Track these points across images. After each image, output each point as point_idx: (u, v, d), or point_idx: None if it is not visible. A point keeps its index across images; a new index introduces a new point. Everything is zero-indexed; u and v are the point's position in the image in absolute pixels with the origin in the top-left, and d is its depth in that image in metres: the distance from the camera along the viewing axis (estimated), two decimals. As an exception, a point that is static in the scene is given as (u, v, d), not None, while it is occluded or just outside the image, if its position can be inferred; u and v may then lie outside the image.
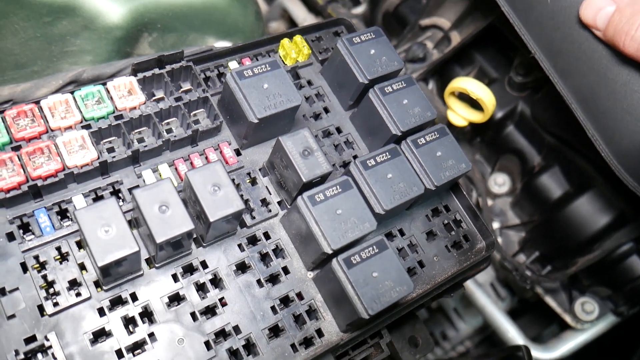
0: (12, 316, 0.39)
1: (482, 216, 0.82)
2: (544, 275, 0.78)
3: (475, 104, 0.72)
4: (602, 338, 0.86)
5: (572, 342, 0.84)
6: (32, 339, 0.38)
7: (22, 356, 0.37)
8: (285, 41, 0.54)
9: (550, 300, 0.83)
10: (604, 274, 0.76)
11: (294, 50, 0.54)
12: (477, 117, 0.70)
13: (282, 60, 0.54)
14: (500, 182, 0.87)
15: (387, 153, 0.47)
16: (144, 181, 0.45)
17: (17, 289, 0.39)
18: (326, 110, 0.54)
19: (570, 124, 0.66)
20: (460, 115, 0.71)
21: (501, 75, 0.83)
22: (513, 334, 0.82)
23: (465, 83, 0.67)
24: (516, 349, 0.67)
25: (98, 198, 0.44)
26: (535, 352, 0.84)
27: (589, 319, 0.80)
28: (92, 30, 0.58)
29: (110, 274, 0.39)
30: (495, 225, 0.88)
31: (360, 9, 1.02)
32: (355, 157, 0.52)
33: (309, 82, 0.55)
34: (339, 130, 0.53)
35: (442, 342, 1.03)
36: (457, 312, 1.01)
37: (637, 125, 0.54)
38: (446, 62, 0.86)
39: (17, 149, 0.41)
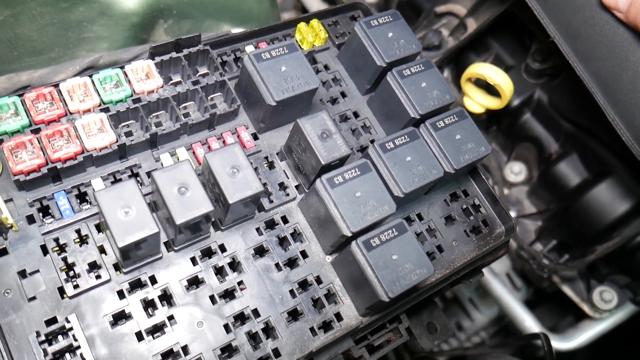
0: (33, 298, 0.39)
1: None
2: (562, 264, 0.77)
3: (492, 91, 0.71)
4: (621, 328, 0.85)
5: (590, 331, 0.83)
6: (53, 320, 0.38)
7: (43, 337, 0.37)
8: (302, 25, 0.53)
9: (567, 290, 0.83)
10: (623, 261, 0.75)
11: (310, 35, 0.53)
12: (494, 103, 0.70)
13: (299, 45, 0.54)
14: (516, 171, 0.86)
15: (405, 136, 0.46)
16: (162, 165, 0.45)
17: (37, 271, 0.40)
18: (343, 94, 0.53)
19: (588, 110, 0.65)
20: (476, 101, 0.70)
21: (518, 62, 0.82)
22: (530, 324, 0.81)
23: (483, 69, 0.66)
24: (534, 337, 0.66)
25: (116, 181, 0.44)
26: (552, 341, 0.83)
27: (608, 308, 0.79)
28: (109, 16, 0.58)
29: (129, 256, 0.39)
30: (512, 214, 0.87)
31: (374, -2, 1.01)
32: (372, 141, 0.51)
33: (326, 67, 0.54)
34: (356, 114, 0.53)
35: (458, 333, 1.02)
36: (472, 302, 1.01)
37: (661, 108, 0.53)
38: (462, 49, 0.85)
39: (36, 131, 0.42)
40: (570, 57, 0.59)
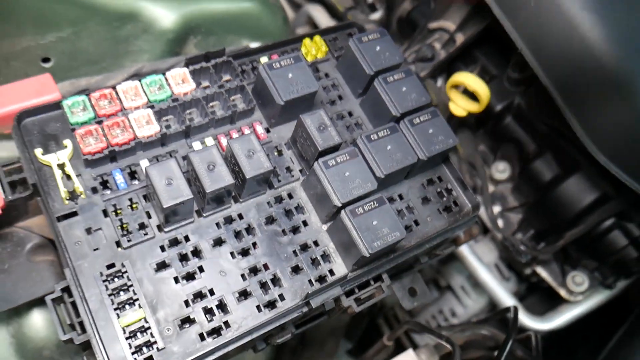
0: (97, 248, 0.51)
1: (483, 199, 0.92)
2: (538, 250, 0.87)
3: (474, 97, 0.82)
4: (596, 312, 0.94)
5: (567, 314, 0.93)
6: (112, 265, 0.50)
7: (105, 277, 0.49)
8: (306, 40, 0.65)
9: (546, 276, 0.92)
10: (591, 247, 0.85)
11: (314, 48, 0.65)
12: (474, 107, 0.80)
13: (304, 57, 0.65)
14: (501, 169, 0.96)
15: (387, 129, 0.58)
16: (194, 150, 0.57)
17: (100, 228, 0.52)
18: (340, 97, 0.65)
19: (557, 113, 0.75)
20: (460, 106, 0.81)
21: (500, 72, 0.92)
22: (510, 302, 0.91)
23: (463, 77, 0.77)
24: (507, 310, 0.77)
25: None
26: (532, 323, 0.93)
27: (580, 291, 0.89)
28: (150, 33, 0.71)
29: (170, 218, 0.51)
30: (497, 208, 0.97)
31: (376, 15, 1.13)
32: (360, 135, 0.62)
33: (326, 75, 0.66)
34: (350, 114, 0.64)
35: (451, 319, 1.12)
36: (464, 289, 1.11)
37: (604, 108, 0.64)
38: (452, 60, 0.96)
39: (99, 122, 0.54)
40: (534, 66, 0.70)
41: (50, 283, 0.57)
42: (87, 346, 0.50)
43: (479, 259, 0.98)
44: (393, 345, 0.86)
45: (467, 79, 0.76)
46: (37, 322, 0.61)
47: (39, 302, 0.62)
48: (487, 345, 0.78)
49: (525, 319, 0.91)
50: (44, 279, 0.57)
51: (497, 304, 0.97)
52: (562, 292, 0.91)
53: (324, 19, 1.19)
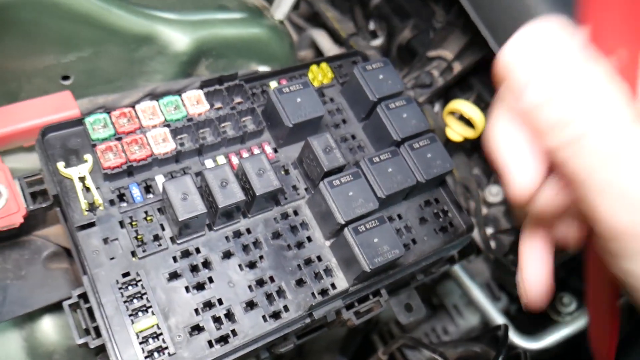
0: (113, 258, 0.54)
1: (476, 221, 0.95)
2: (528, 271, 0.91)
3: (470, 123, 0.86)
4: (584, 333, 0.98)
5: (555, 334, 0.96)
6: (127, 274, 0.53)
7: (120, 285, 0.52)
8: (314, 67, 0.70)
9: (535, 296, 0.96)
10: (579, 269, 0.88)
11: (320, 74, 0.69)
12: (470, 133, 0.85)
13: (311, 82, 0.69)
14: (494, 193, 1.00)
15: (389, 153, 0.61)
16: (206, 167, 0.60)
17: (116, 239, 0.55)
18: (344, 121, 0.69)
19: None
20: (456, 131, 0.85)
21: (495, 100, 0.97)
22: (500, 321, 0.94)
23: (460, 104, 0.81)
24: (498, 328, 0.80)
25: (173, 178, 0.59)
26: (522, 342, 0.96)
27: (568, 311, 0.92)
28: (164, 55, 0.74)
29: (183, 231, 0.54)
30: (490, 230, 1.01)
31: (377, 42, 1.18)
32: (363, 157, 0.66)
33: (331, 99, 0.70)
34: (353, 137, 0.68)
35: (444, 337, 1.15)
36: (456, 308, 1.14)
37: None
38: (449, 87, 1.00)
39: (119, 139, 0.57)
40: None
41: (64, 290, 0.60)
42: (99, 350, 0.53)
43: (471, 278, 1.02)
44: (387, 360, 0.89)
45: (463, 106, 0.80)
46: (48, 327, 0.64)
47: (51, 308, 0.64)
48: (478, 362, 0.81)
49: (515, 338, 0.94)
50: (58, 286, 0.60)
51: (489, 322, 1.00)
52: (551, 313, 0.95)
53: (326, 44, 1.23)
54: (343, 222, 0.56)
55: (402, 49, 1.10)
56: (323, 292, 0.58)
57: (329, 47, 1.22)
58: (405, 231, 0.64)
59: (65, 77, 0.72)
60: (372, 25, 1.19)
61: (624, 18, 0.32)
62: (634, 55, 0.32)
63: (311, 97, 0.62)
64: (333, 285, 0.58)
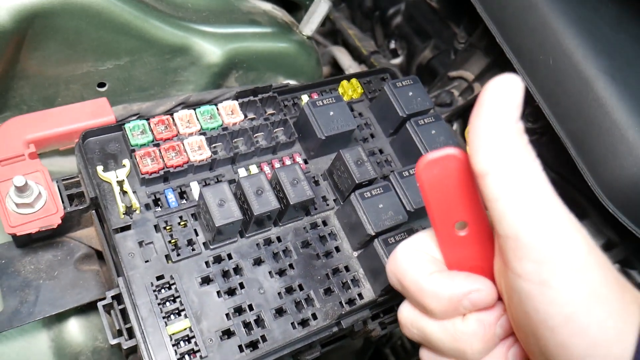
0: (148, 260, 0.55)
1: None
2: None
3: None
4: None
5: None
6: (161, 277, 0.54)
7: (154, 287, 0.53)
8: (344, 82, 0.71)
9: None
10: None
11: (350, 89, 0.71)
12: (491, 152, 0.86)
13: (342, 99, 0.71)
14: (511, 212, 1.01)
15: (417, 168, 0.63)
16: (239, 176, 0.62)
17: (151, 242, 0.56)
18: (372, 135, 0.70)
19: (568, 163, 0.81)
20: (477, 150, 0.87)
21: (514, 121, 0.98)
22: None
23: (482, 124, 0.83)
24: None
25: (206, 185, 0.60)
26: None
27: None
28: (197, 66, 0.76)
29: (216, 237, 0.56)
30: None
31: (398, 60, 1.20)
32: (392, 171, 0.68)
33: (360, 114, 0.72)
34: (381, 151, 0.70)
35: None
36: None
37: (615, 161, 0.69)
38: (469, 107, 1.02)
39: (157, 145, 0.59)
40: (550, 118, 0.75)
41: (95, 291, 0.61)
42: (130, 352, 0.54)
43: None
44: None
45: (486, 125, 0.82)
46: (75, 328, 0.65)
47: (79, 309, 0.65)
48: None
49: None
50: (89, 287, 0.61)
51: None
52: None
53: (346, 61, 1.25)
54: (373, 234, 0.57)
55: (422, 69, 1.12)
56: (350, 301, 0.59)
57: (349, 64, 1.24)
58: (431, 245, 0.65)
59: (101, 84, 0.74)
60: (392, 44, 1.22)
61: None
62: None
63: (343, 111, 0.63)
64: (360, 295, 0.59)
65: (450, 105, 1.02)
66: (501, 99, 0.33)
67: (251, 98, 0.65)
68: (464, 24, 1.01)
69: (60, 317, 0.65)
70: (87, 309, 0.65)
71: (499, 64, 0.93)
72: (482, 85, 0.97)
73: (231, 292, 0.56)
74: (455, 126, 1.06)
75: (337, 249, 0.61)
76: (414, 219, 0.63)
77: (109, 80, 0.73)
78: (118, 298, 0.54)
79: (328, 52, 1.32)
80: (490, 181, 0.33)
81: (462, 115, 1.05)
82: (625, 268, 0.86)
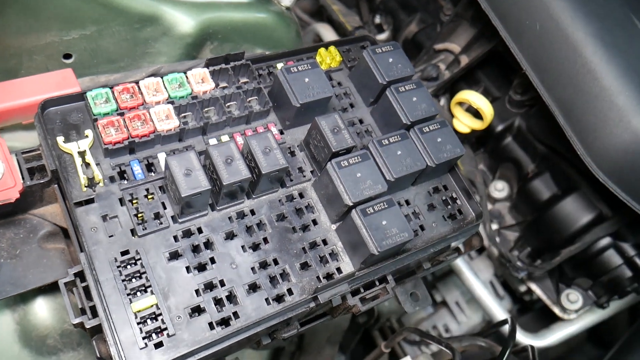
0: (112, 235, 0.52)
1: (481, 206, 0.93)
2: (533, 266, 0.89)
3: (477, 115, 0.85)
4: (591, 331, 0.96)
5: (560, 332, 0.94)
6: (126, 252, 0.51)
7: (118, 263, 0.50)
8: (322, 50, 0.68)
9: (540, 293, 0.94)
10: (586, 266, 0.87)
11: (328, 57, 0.68)
12: (477, 124, 0.83)
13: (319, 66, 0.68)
14: (499, 188, 0.99)
15: (398, 136, 0.60)
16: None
17: (116, 216, 0.53)
18: (351, 105, 0.67)
19: (557, 134, 0.78)
20: (463, 123, 0.84)
21: (502, 94, 0.96)
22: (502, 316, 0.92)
23: (468, 95, 0.80)
24: (504, 322, 0.78)
25: (176, 157, 0.57)
26: (526, 339, 0.94)
27: (574, 308, 0.90)
28: (169, 36, 0.73)
29: (185, 210, 0.53)
30: (494, 226, 0.99)
31: (383, 36, 1.17)
32: (371, 140, 0.65)
33: (339, 83, 0.68)
34: (361, 121, 0.66)
35: (445, 335, 1.13)
36: (458, 305, 1.12)
37: (604, 128, 0.66)
38: (455, 81, 0.99)
39: (121, 114, 0.56)
40: (538, 86, 0.73)
41: (60, 270, 0.58)
42: (96, 331, 0.51)
43: (475, 274, 1.00)
44: (387, 356, 0.87)
45: (472, 96, 0.79)
46: (42, 310, 0.62)
47: (46, 290, 0.62)
48: (483, 358, 0.79)
49: (519, 335, 0.92)
50: (54, 266, 0.58)
51: (492, 319, 0.98)
52: (556, 310, 0.93)
53: (331, 37, 1.22)
54: (351, 204, 0.54)
55: (408, 43, 1.09)
56: (328, 276, 0.56)
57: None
58: (413, 217, 0.62)
59: (67, 56, 0.70)
60: (377, 19, 1.18)
61: None
62: None
63: (320, 77, 0.60)
64: (339, 270, 0.56)
65: (436, 79, 0.99)
66: None
67: (223, 66, 0.62)
68: (450, -6, 0.98)
69: (26, 299, 0.62)
70: (55, 289, 0.62)
71: (486, 34, 0.90)
72: (469, 57, 0.94)
73: (201, 267, 0.53)
74: (442, 101, 1.03)
75: (315, 222, 0.58)
76: (394, 190, 0.61)
77: (75, 51, 0.70)
78: (81, 275, 0.51)
79: (312, 30, 1.28)
80: None
81: (449, 89, 1.02)
82: (617, 241, 0.84)
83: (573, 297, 0.90)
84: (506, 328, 0.76)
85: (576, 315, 0.91)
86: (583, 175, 0.85)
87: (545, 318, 1.01)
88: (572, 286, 0.92)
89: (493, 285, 1.08)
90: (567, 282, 0.92)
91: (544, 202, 0.89)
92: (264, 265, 0.55)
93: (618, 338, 0.85)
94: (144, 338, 0.48)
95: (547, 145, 0.89)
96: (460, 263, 0.98)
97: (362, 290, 0.58)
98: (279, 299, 0.53)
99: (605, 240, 0.83)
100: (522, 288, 0.98)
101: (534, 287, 0.94)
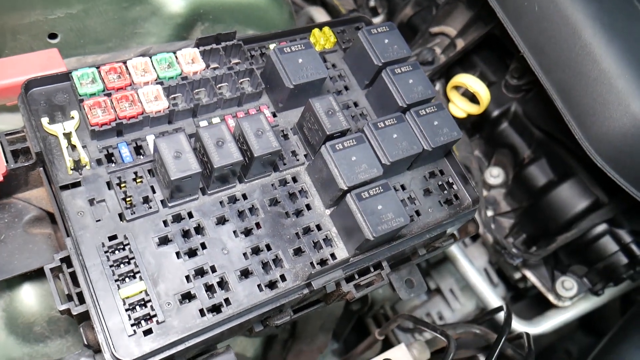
0: (99, 220, 0.50)
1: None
2: (529, 253, 0.88)
3: (473, 100, 0.84)
4: (583, 319, 0.96)
5: (555, 319, 0.94)
6: (114, 237, 0.50)
7: (106, 248, 0.49)
8: (316, 30, 0.66)
9: (535, 280, 0.93)
10: (581, 253, 0.86)
11: (322, 38, 0.66)
12: (474, 109, 0.82)
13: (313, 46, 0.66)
14: (495, 174, 0.98)
15: (394, 119, 0.58)
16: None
17: (103, 200, 0.51)
18: (346, 88, 0.66)
19: (554, 120, 0.77)
20: (459, 107, 0.83)
21: (499, 79, 0.94)
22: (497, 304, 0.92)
23: (465, 78, 0.78)
24: (499, 309, 0.77)
25: (165, 139, 0.55)
26: (520, 326, 0.93)
27: (569, 295, 0.90)
28: (158, 16, 0.71)
29: (174, 194, 0.51)
30: (490, 213, 0.98)
31: (378, 19, 1.15)
32: (367, 123, 0.63)
33: (334, 65, 0.67)
34: (356, 104, 0.65)
35: (439, 322, 1.12)
36: (453, 293, 1.11)
37: (603, 112, 0.65)
38: (451, 65, 0.98)
39: (108, 95, 0.54)
40: (536, 69, 0.71)
41: (47, 256, 0.56)
42: (83, 318, 0.49)
43: (469, 261, 0.99)
44: (381, 343, 0.86)
45: (469, 80, 0.77)
46: (29, 297, 0.60)
47: (32, 276, 0.61)
48: (477, 345, 0.78)
49: (514, 323, 0.92)
50: (40, 252, 0.56)
51: (486, 307, 0.97)
52: (551, 297, 0.92)
53: (324, 20, 1.20)
54: (345, 188, 0.53)
55: (403, 26, 1.07)
56: (322, 262, 0.55)
57: (328, 24, 1.18)
58: (409, 202, 0.61)
59: (53, 36, 0.68)
60: (372, 2, 1.16)
61: None
62: None
63: (314, 58, 0.58)
64: (333, 255, 0.55)
65: (432, 63, 0.97)
66: None
67: (214, 46, 0.60)
68: (447, -24, 0.96)
69: (11, 285, 0.60)
70: (41, 275, 0.60)
71: (482, 17, 0.88)
72: (465, 40, 0.92)
73: (192, 252, 0.51)
74: (437, 86, 1.02)
75: (308, 207, 0.57)
76: (390, 174, 0.59)
77: (60, 30, 0.67)
78: (67, 261, 0.49)
79: (305, 13, 1.26)
80: None
81: (445, 73, 1.00)
82: (613, 228, 0.83)
83: (568, 284, 0.90)
84: (500, 315, 0.76)
85: (571, 302, 0.91)
86: (580, 161, 0.84)
87: (538, 305, 1.01)
88: (567, 273, 0.91)
89: (487, 272, 1.07)
90: (562, 269, 0.92)
91: (539, 188, 0.88)
92: (256, 250, 0.53)
93: (609, 326, 0.85)
94: (132, 325, 0.47)
95: (544, 130, 0.88)
96: (454, 250, 0.98)
97: (356, 276, 0.57)
98: (271, 285, 0.52)
99: (602, 227, 0.83)
100: (517, 275, 0.98)
101: (528, 274, 0.94)
